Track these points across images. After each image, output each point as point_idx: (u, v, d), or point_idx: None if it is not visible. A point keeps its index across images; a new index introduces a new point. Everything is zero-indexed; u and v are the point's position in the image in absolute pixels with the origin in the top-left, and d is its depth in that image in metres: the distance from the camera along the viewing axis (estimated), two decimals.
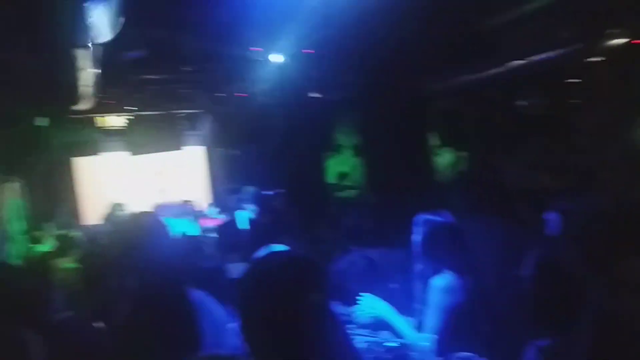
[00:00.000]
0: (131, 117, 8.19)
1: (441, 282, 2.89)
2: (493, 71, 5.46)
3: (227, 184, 11.74)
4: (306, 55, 5.48)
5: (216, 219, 8.67)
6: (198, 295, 2.41)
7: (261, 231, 5.32)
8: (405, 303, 3.08)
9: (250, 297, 1.46)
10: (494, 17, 4.81)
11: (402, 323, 2.92)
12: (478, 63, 5.56)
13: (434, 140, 6.94)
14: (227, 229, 6.83)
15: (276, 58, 5.45)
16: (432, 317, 2.84)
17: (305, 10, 4.83)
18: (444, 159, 7.57)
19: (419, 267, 3.18)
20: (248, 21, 4.97)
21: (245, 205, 8.52)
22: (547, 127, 5.79)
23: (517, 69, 5.11)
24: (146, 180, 11.53)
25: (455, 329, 2.79)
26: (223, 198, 11.31)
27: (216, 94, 8.19)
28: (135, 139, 8.13)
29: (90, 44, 4.35)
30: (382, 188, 6.92)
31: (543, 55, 4.74)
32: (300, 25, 5.20)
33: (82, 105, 6.41)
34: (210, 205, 10.41)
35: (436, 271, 2.97)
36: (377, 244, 4.58)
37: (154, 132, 8.09)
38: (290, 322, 1.39)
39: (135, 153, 8.63)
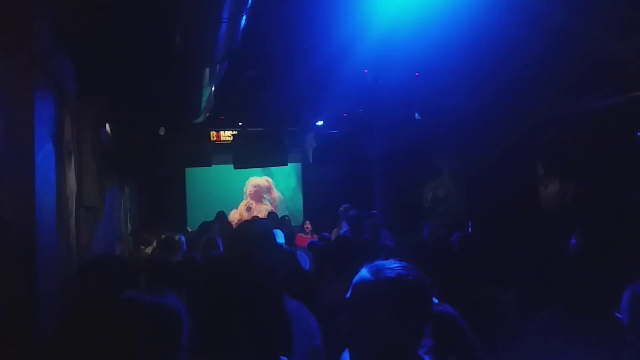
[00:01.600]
0: (240, 132, 8.62)
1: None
2: (609, 101, 5.23)
3: (323, 201, 12.00)
4: (413, 76, 5.54)
5: (308, 237, 8.85)
6: (294, 305, 2.51)
7: (354, 250, 5.38)
8: None
9: None
10: (613, 45, 4.63)
11: None
12: (594, 91, 5.36)
13: (540, 169, 6.73)
14: (323, 245, 6.97)
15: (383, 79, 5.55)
16: None
17: (413, 31, 4.91)
18: (550, 189, 7.29)
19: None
20: (357, 43, 5.11)
21: (341, 224, 8.68)
22: None
23: (637, 99, 4.87)
24: (248, 193, 12.11)
25: None
26: (319, 215, 11.57)
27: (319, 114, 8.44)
28: (242, 153, 8.52)
29: (211, 64, 4.68)
30: (480, 216, 6.78)
31: None
32: (408, 47, 5.28)
33: (199, 119, 6.91)
34: (305, 221, 10.66)
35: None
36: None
37: (260, 147, 8.44)
38: None
39: (240, 166, 9.03)
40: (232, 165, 9.08)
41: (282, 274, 3.36)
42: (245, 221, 3.22)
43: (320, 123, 8.83)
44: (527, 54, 4.87)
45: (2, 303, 2.45)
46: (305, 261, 6.13)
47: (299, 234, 8.98)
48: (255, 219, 7.64)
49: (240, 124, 8.49)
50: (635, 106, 5.09)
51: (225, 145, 9.53)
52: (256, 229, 2.71)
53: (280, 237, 7.67)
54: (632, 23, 4.45)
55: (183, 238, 8.02)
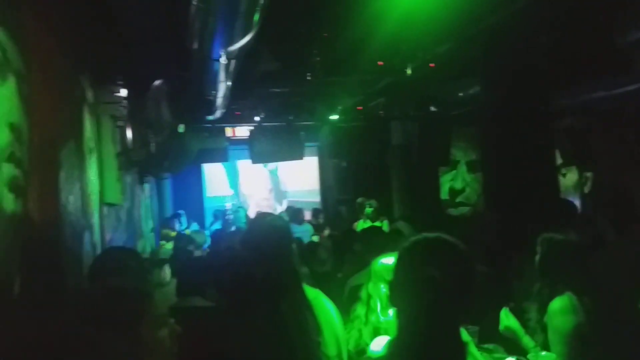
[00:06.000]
0: (256, 127, 8.68)
1: (560, 304, 2.83)
2: (627, 88, 5.17)
3: (339, 194, 12.03)
4: (428, 67, 5.53)
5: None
6: (314, 293, 2.59)
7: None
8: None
9: None
10: (631, 31, 4.58)
11: (529, 341, 2.93)
12: (611, 79, 5.30)
13: (558, 158, 6.67)
14: (342, 236, 7.04)
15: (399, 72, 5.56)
16: (556, 341, 2.78)
17: (426, 23, 4.90)
18: (569, 178, 7.24)
19: (536, 286, 3.13)
20: (372, 34, 5.11)
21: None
22: None
23: None
24: (265, 187, 12.19)
25: (578, 351, 2.72)
26: (335, 207, 11.61)
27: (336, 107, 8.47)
28: (258, 148, 8.58)
29: (224, 59, 4.71)
30: (499, 206, 6.75)
31: None
32: (422, 38, 5.27)
33: (215, 115, 6.97)
34: (318, 213, 10.67)
35: (555, 291, 2.91)
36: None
37: (276, 142, 8.49)
38: None
39: (257, 161, 9.10)
40: (249, 160, 9.16)
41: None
42: (261, 214, 3.24)
43: (335, 117, 8.85)
44: (543, 41, 4.84)
45: (29, 301, 2.50)
46: None
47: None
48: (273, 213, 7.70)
49: (256, 119, 8.55)
50: None
51: (241, 141, 9.58)
52: (272, 222, 2.74)
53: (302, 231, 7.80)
54: None
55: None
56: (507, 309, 3.06)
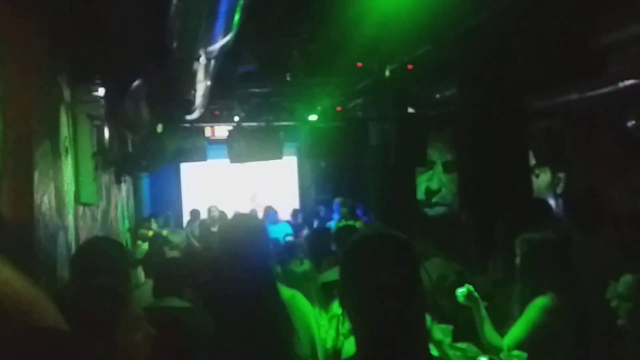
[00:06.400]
0: (235, 127, 8.66)
1: (543, 302, 2.90)
2: (600, 91, 5.29)
3: (317, 194, 12.09)
4: (405, 69, 5.60)
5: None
6: (290, 293, 2.62)
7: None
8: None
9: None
10: (604, 34, 4.69)
11: (484, 314, 2.96)
12: (585, 81, 5.42)
13: (532, 159, 6.80)
14: (318, 236, 7.07)
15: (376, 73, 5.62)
16: (521, 330, 2.87)
17: (405, 25, 4.95)
18: (541, 179, 7.37)
19: (517, 286, 3.19)
20: (351, 36, 5.14)
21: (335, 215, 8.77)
22: None
23: (627, 88, 4.93)
24: (242, 187, 12.15)
25: (542, 346, 2.81)
26: (313, 207, 11.66)
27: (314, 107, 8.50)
28: (237, 148, 8.55)
29: (204, 59, 4.71)
30: (473, 206, 6.85)
31: None
32: (400, 40, 5.32)
33: (194, 115, 6.94)
34: (297, 213, 10.78)
35: (537, 292, 2.97)
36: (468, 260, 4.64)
37: (255, 142, 8.48)
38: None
39: (236, 161, 9.07)
40: (227, 160, 9.13)
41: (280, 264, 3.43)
42: (238, 215, 3.26)
43: (314, 117, 8.88)
44: (519, 44, 4.93)
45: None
46: None
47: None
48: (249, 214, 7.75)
49: (235, 118, 8.54)
50: (624, 96, 5.16)
51: (220, 141, 9.56)
52: (249, 223, 2.76)
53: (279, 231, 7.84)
54: (620, 12, 4.51)
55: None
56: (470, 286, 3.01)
